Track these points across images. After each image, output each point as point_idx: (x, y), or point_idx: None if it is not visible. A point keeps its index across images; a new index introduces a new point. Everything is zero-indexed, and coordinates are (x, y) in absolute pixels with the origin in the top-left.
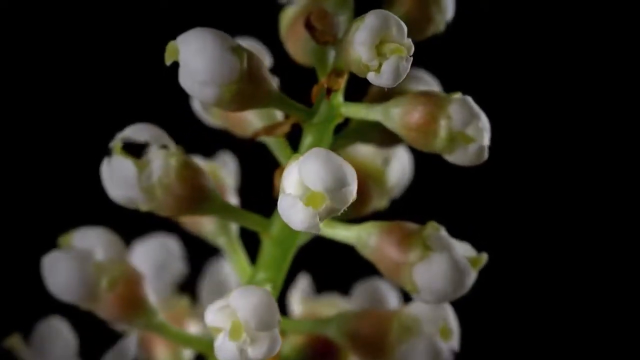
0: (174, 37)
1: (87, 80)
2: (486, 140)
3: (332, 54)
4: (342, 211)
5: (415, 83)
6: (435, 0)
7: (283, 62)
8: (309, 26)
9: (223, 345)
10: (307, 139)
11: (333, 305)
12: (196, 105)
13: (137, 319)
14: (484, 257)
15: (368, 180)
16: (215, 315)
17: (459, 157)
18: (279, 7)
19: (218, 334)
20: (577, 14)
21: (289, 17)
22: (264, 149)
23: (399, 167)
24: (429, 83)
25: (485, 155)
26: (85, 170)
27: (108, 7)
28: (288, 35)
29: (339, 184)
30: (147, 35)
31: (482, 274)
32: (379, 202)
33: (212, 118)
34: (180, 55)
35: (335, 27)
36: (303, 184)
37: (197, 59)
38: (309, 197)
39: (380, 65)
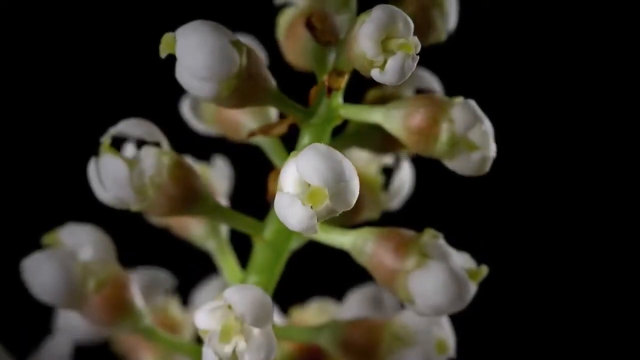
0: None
1: (75, 82)
2: (491, 147)
3: (332, 57)
4: (342, 211)
5: (418, 82)
6: (439, 5)
7: (276, 69)
8: (309, 26)
9: (207, 350)
10: (304, 140)
11: (324, 311)
12: (186, 112)
13: (123, 323)
14: (484, 269)
15: (362, 188)
16: (206, 317)
17: (460, 165)
18: (274, 11)
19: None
20: (579, 16)
21: (288, 18)
22: (256, 152)
23: (400, 180)
24: (430, 82)
25: (488, 166)
26: (72, 170)
27: (99, 7)
28: (287, 36)
29: (338, 178)
30: (137, 38)
31: (482, 284)
32: (371, 212)
33: (203, 123)
34: (178, 47)
35: (336, 28)
36: (302, 181)
37: (197, 52)
38: (309, 195)
39: (385, 62)
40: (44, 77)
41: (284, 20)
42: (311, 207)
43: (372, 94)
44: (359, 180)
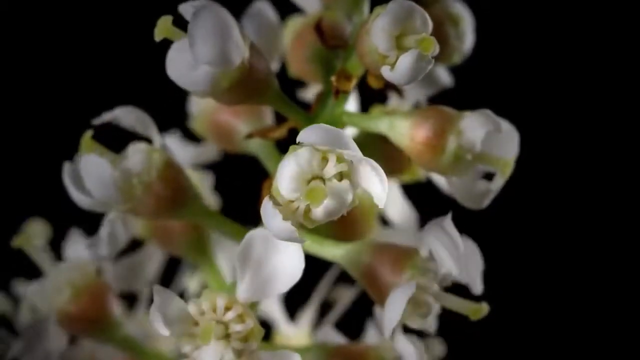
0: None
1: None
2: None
3: (338, 64)
4: (341, 212)
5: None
6: (454, 23)
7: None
8: (319, 30)
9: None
10: None
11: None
12: (174, 146)
13: (101, 333)
14: (485, 307)
15: (355, 214)
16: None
17: (462, 188)
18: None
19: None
20: (580, 18)
21: (295, 27)
22: (251, 164)
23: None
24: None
25: (488, 200)
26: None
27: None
28: (293, 44)
29: (340, 143)
30: (130, 36)
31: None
32: (362, 235)
33: (195, 143)
34: (192, 26)
35: (345, 33)
36: (299, 178)
37: (211, 34)
38: (308, 192)
39: (397, 59)
40: (33, 81)
41: (290, 30)
42: (307, 209)
43: (375, 110)
44: (355, 204)
